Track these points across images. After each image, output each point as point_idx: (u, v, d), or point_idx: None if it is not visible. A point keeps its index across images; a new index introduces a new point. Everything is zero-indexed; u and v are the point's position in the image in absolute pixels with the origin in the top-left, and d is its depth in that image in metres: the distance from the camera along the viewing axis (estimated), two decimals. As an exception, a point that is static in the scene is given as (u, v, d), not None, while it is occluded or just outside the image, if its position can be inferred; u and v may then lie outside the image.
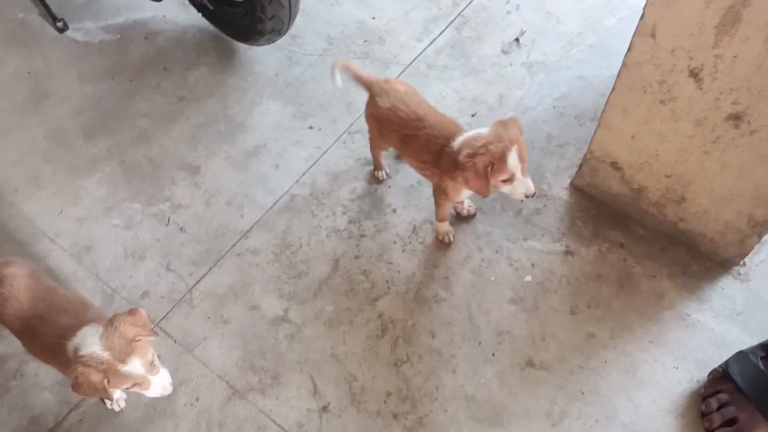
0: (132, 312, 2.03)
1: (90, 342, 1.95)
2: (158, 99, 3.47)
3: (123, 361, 1.95)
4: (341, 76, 2.77)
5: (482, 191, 2.30)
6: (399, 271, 2.82)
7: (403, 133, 2.54)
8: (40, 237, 3.00)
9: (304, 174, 3.15)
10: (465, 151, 2.25)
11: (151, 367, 2.03)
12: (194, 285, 2.86)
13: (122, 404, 2.53)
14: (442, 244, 2.86)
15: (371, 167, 3.07)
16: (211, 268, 2.89)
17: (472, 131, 2.36)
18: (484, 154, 2.21)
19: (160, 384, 2.08)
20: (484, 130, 2.30)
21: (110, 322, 1.98)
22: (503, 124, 2.25)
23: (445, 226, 2.81)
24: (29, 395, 2.60)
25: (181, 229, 3.02)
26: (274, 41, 3.37)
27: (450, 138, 2.40)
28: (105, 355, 1.91)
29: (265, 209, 3.03)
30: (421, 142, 2.48)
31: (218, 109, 3.42)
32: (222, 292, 2.81)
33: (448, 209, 2.76)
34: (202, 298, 2.81)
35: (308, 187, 3.10)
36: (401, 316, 2.69)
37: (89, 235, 3.01)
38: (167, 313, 2.77)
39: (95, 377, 1.91)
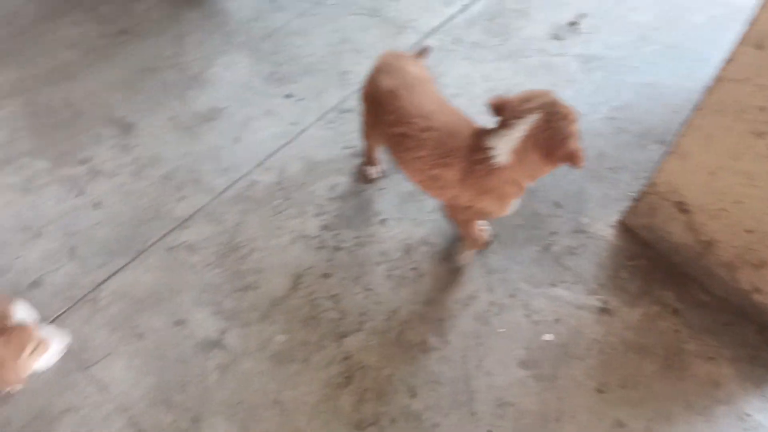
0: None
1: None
2: (92, 27, 3.39)
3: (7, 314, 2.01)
4: None
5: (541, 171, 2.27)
6: (379, 302, 2.77)
7: (399, 130, 2.47)
8: None
9: (271, 155, 3.09)
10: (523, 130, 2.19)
11: None
12: (104, 281, 2.78)
13: None
14: (441, 274, 2.81)
15: (361, 160, 3.00)
16: (129, 262, 2.83)
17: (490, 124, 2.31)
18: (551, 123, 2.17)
19: (59, 337, 2.22)
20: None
21: None
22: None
23: (481, 238, 2.75)
24: None
25: (97, 204, 2.94)
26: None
27: (468, 140, 2.33)
28: None
29: (214, 194, 2.97)
30: (425, 148, 2.41)
31: (170, 52, 3.35)
32: (140, 295, 2.73)
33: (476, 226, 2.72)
34: (113, 299, 2.73)
35: (275, 173, 3.05)
36: (375, 363, 2.64)
37: (-30, 192, 2.90)
38: (62, 313, 2.70)
39: None
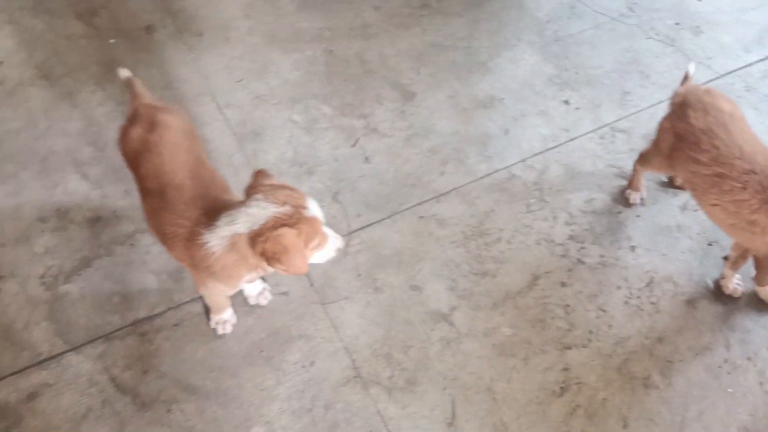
0: (259, 172, 2.22)
1: (258, 207, 2.10)
2: (398, -3, 3.56)
3: (302, 206, 2.11)
4: None
5: None
6: (611, 326, 2.74)
7: (715, 171, 2.41)
8: (207, 99, 3.21)
9: (536, 155, 3.13)
10: None
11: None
12: (357, 230, 2.94)
13: (228, 329, 2.65)
14: (680, 316, 2.75)
15: (624, 182, 2.99)
16: (383, 219, 2.96)
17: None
18: None
19: (332, 234, 2.28)
20: None
21: (258, 185, 2.15)
22: None
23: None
24: (132, 270, 2.81)
25: (367, 158, 3.10)
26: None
27: None
28: (280, 209, 2.08)
29: (473, 177, 3.06)
30: (746, 191, 2.35)
31: (463, 34, 3.46)
32: (385, 252, 2.87)
33: None
34: (361, 249, 2.88)
35: (535, 172, 3.08)
36: (593, 382, 2.62)
37: (262, 121, 3.17)
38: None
39: (289, 233, 2.06)
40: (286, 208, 2.07)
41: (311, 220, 2.11)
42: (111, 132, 3.05)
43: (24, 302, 2.71)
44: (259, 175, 2.21)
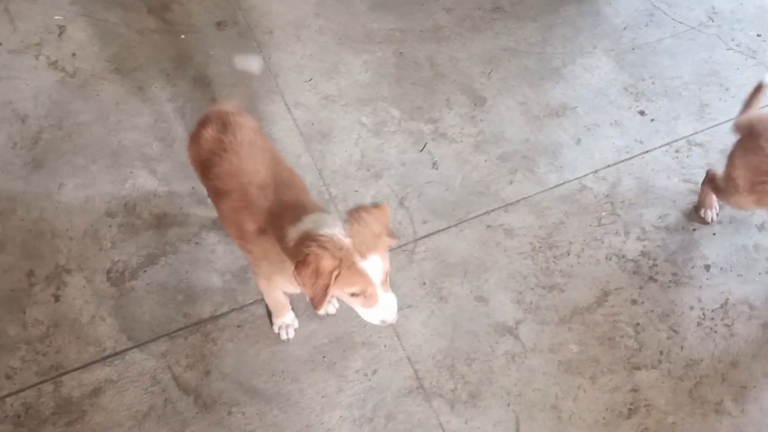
0: (378, 206, 2.11)
1: (331, 224, 2.05)
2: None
3: (363, 255, 2.01)
4: None
5: None
6: (682, 347, 2.66)
7: None
8: (276, 98, 3.19)
9: (608, 166, 3.05)
10: None
11: (386, 279, 2.10)
12: (423, 237, 2.90)
13: (291, 333, 2.64)
14: (756, 341, 2.66)
15: (700, 199, 2.92)
16: (449, 227, 2.92)
17: None
18: None
19: (387, 305, 2.13)
20: None
21: (354, 211, 2.08)
22: None
23: None
24: (197, 269, 2.81)
25: (435, 164, 3.05)
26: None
27: None
28: (346, 241, 2.00)
29: (543, 187, 2.99)
30: None
31: (536, 39, 3.39)
32: (451, 261, 2.82)
33: None
34: (426, 256, 2.84)
35: (607, 184, 3.00)
36: (662, 405, 2.55)
37: (330, 122, 3.15)
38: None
39: (328, 263, 1.99)
40: (347, 242, 1.99)
41: (357, 271, 2.00)
42: (180, 128, 3.06)
43: (90, 296, 2.73)
44: (378, 208, 2.12)
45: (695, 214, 2.94)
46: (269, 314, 2.67)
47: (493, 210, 2.98)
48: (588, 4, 3.50)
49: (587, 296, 2.79)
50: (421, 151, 3.11)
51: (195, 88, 3.22)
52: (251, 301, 2.75)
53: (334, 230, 2.01)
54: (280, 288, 2.44)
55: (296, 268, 1.98)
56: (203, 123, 2.45)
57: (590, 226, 2.93)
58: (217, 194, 2.37)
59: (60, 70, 3.29)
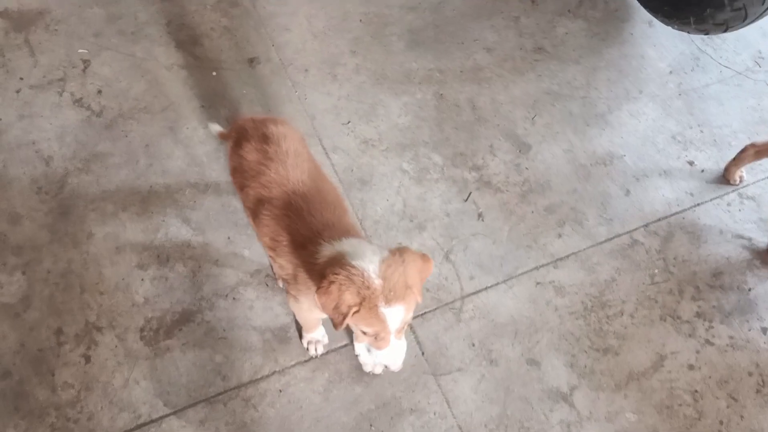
0: (425, 258, 2.02)
1: (368, 258, 1.95)
2: (511, 37, 3.39)
3: (388, 302, 1.92)
4: None
5: None
6: (742, 416, 2.55)
7: None
8: (313, 141, 3.07)
9: (659, 220, 2.93)
10: None
11: (402, 329, 2.04)
12: (470, 294, 2.77)
13: (320, 350, 2.64)
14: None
15: (754, 255, 2.88)
16: (498, 284, 2.79)
17: None
18: None
19: (395, 352, 2.07)
20: None
21: (399, 252, 1.98)
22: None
23: None
24: (234, 327, 2.69)
25: (480, 215, 2.93)
26: (707, 30, 3.14)
27: None
28: (377, 282, 1.91)
29: (593, 241, 2.88)
30: None
31: (580, 83, 3.27)
32: (500, 320, 2.70)
33: None
34: (474, 315, 2.71)
35: (658, 239, 2.88)
36: (727, 482, 2.42)
37: (370, 168, 3.02)
38: (425, 313, 2.69)
39: (350, 298, 1.91)
40: (377, 282, 1.89)
41: (377, 315, 1.92)
42: (213, 173, 2.93)
43: (123, 357, 2.57)
44: (425, 260, 2.03)
45: (750, 272, 2.88)
46: (299, 330, 2.60)
47: (543, 265, 2.86)
48: (632, 47, 3.38)
49: (643, 360, 2.67)
50: (466, 201, 2.97)
51: (227, 128, 3.06)
52: (293, 363, 2.61)
53: (369, 266, 1.92)
54: (307, 308, 2.32)
55: (318, 290, 1.92)
56: (240, 135, 2.36)
57: (643, 284, 2.81)
58: (258, 202, 2.25)
59: (86, 108, 3.12)
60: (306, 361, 2.61)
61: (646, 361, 2.69)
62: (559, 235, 2.92)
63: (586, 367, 2.67)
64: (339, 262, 1.95)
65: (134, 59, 3.27)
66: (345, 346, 2.60)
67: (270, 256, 2.34)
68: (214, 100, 3.18)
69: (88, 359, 2.58)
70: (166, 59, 3.28)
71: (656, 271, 2.86)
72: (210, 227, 2.87)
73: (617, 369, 2.67)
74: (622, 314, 2.77)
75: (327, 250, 2.05)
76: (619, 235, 2.93)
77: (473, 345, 2.70)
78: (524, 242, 2.91)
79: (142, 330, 2.65)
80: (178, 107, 3.16)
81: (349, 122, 3.15)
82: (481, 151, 3.11)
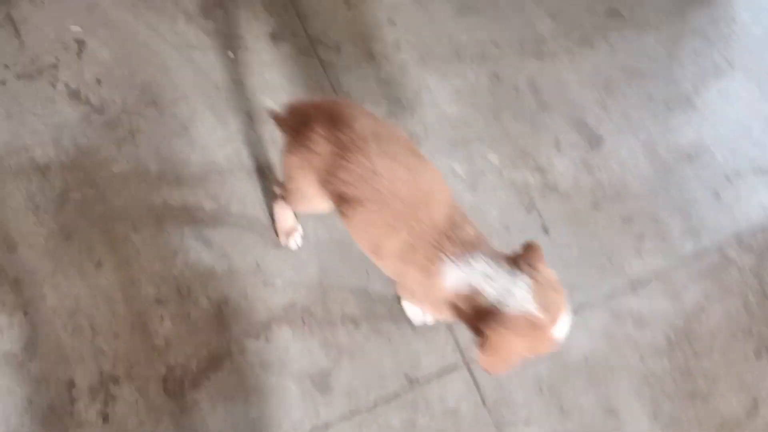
0: (532, 247, 1.81)
1: (519, 295, 1.71)
2: (580, 1, 2.80)
3: (555, 321, 1.71)
4: None
5: None
6: None
7: None
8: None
9: (755, 232, 2.51)
10: None
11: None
12: (537, 328, 2.34)
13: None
14: None
15: None
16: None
17: None
18: None
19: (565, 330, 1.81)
20: None
21: (528, 267, 1.75)
22: None
23: None
24: (269, 374, 2.38)
25: (546, 228, 2.51)
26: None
27: None
28: (541, 316, 1.69)
29: (677, 259, 2.54)
30: None
31: (661, 54, 2.81)
32: (572, 360, 2.36)
33: None
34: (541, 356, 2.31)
35: (753, 256, 2.49)
36: None
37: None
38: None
39: (522, 347, 1.71)
40: (541, 316, 1.68)
41: (549, 340, 1.71)
42: (236, 182, 2.50)
43: (145, 414, 2.26)
44: (532, 250, 1.81)
45: None
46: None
47: (619, 291, 2.44)
48: (721, 9, 2.85)
49: (736, 405, 2.36)
50: (529, 212, 2.54)
51: (250, 126, 2.60)
52: (337, 417, 2.25)
53: (525, 304, 1.70)
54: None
55: (482, 349, 1.72)
56: (298, 119, 1.97)
57: (736, 311, 2.44)
58: (345, 202, 1.92)
59: (84, 103, 2.66)
60: (351, 415, 2.31)
61: (739, 407, 2.38)
62: (639, 252, 2.52)
63: (671, 416, 2.37)
64: (488, 312, 1.73)
65: (136, 39, 2.77)
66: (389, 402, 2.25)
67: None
68: (232, 88, 2.70)
69: (105, 418, 2.27)
70: (173, 37, 2.79)
71: (751, 296, 2.47)
72: (235, 250, 2.48)
73: (707, 417, 2.36)
74: (712, 350, 2.42)
75: (453, 275, 1.80)
76: (707, 251, 2.54)
77: (541, 391, 2.36)
78: (597, 261, 2.51)
79: (165, 380, 2.32)
80: (190, 99, 2.70)
81: (389, 113, 2.66)
82: (544, 147, 2.66)
